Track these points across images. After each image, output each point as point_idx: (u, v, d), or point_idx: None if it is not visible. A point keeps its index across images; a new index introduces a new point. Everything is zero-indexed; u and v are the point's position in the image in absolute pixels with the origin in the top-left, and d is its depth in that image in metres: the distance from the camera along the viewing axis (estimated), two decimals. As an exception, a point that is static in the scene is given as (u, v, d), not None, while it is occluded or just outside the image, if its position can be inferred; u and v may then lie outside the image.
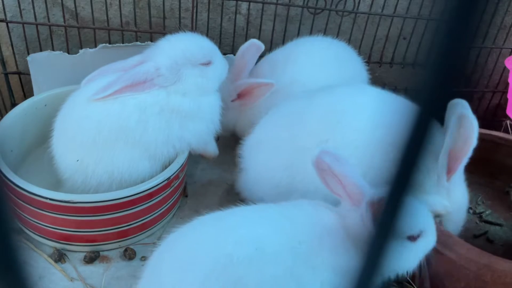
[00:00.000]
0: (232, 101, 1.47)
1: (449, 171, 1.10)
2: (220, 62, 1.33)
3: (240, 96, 1.47)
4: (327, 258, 0.90)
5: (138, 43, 1.56)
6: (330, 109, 1.18)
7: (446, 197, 1.13)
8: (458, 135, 1.09)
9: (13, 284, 0.29)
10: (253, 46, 1.46)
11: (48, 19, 1.55)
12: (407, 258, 0.95)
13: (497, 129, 1.64)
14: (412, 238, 0.94)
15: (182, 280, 0.87)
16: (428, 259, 0.98)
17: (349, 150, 1.11)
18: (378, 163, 1.08)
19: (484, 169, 1.42)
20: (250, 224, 0.95)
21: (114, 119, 1.20)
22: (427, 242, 0.97)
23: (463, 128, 1.08)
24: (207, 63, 1.28)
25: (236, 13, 1.69)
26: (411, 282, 1.15)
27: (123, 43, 1.59)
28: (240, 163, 1.29)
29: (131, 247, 1.25)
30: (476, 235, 1.32)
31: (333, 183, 0.97)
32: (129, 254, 1.23)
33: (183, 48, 1.26)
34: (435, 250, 1.08)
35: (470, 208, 1.37)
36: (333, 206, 0.99)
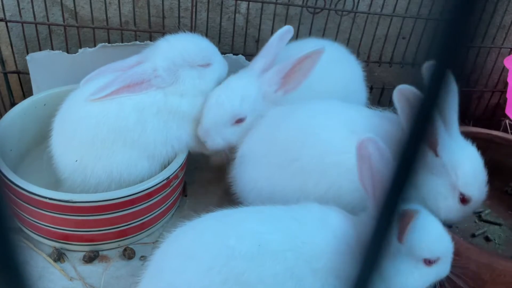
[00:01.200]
0: (276, 91, 1.28)
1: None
2: (219, 64, 1.32)
3: (283, 82, 1.28)
4: (331, 261, 0.90)
5: (138, 42, 1.56)
6: (299, 128, 1.19)
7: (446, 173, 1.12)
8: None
9: (12, 284, 0.29)
10: (288, 33, 1.33)
11: (48, 18, 1.55)
12: (417, 279, 0.94)
13: (496, 128, 1.64)
14: (428, 262, 0.94)
15: (185, 269, 0.89)
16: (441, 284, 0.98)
17: (316, 173, 1.13)
18: (348, 187, 1.09)
19: (483, 169, 1.42)
20: (255, 221, 0.96)
21: (112, 120, 1.20)
22: (441, 269, 0.97)
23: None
24: (206, 65, 1.28)
25: (235, 12, 1.69)
26: None
27: (122, 42, 1.59)
28: (232, 173, 1.30)
29: (131, 246, 1.25)
30: (474, 234, 1.32)
31: (366, 175, 0.95)
32: (128, 254, 1.23)
33: (181, 49, 1.26)
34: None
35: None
36: (349, 213, 0.99)
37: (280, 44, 1.32)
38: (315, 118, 1.20)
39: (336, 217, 0.97)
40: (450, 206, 1.12)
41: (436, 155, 1.10)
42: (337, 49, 1.51)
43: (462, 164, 1.12)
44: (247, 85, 1.27)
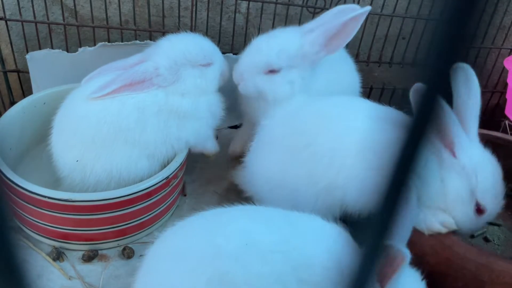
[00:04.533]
0: (318, 52, 1.26)
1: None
2: (220, 63, 1.33)
3: (327, 43, 1.26)
4: (317, 276, 0.85)
5: (138, 41, 1.56)
6: (319, 114, 1.20)
7: (462, 173, 1.09)
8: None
9: (11, 283, 0.29)
10: (352, 10, 1.27)
11: (47, 17, 1.55)
12: None
13: (496, 129, 1.64)
14: None
15: (172, 269, 0.88)
16: None
17: (327, 158, 1.14)
18: (360, 175, 1.09)
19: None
20: (246, 220, 0.94)
21: (113, 118, 1.20)
22: None
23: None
24: (207, 64, 1.29)
25: (235, 12, 1.69)
26: None
27: (122, 41, 1.59)
28: (244, 159, 1.31)
29: (130, 245, 1.25)
30: (473, 235, 1.32)
31: None
32: (127, 253, 1.23)
33: (183, 48, 1.26)
34: (433, 249, 1.08)
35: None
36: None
37: (337, 17, 1.27)
38: (334, 107, 1.21)
39: (337, 235, 0.93)
40: (466, 214, 1.08)
41: (454, 155, 1.08)
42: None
43: (483, 170, 1.08)
44: (290, 39, 1.27)
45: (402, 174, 0.31)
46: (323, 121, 1.18)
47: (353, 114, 1.18)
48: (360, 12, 1.23)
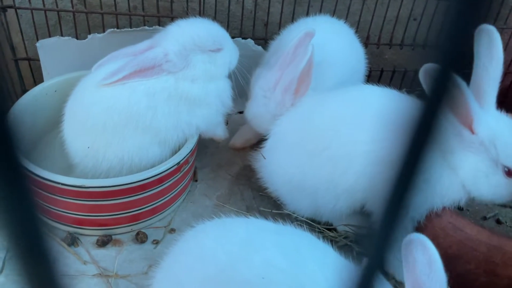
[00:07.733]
0: (291, 103, 1.30)
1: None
2: (230, 49, 1.32)
3: (295, 92, 1.29)
4: None
5: (146, 27, 1.56)
6: (333, 116, 1.19)
7: (481, 148, 1.07)
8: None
9: (42, 271, 0.29)
10: (307, 36, 1.25)
11: (57, 4, 1.55)
12: None
13: (509, 110, 1.62)
14: None
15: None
16: None
17: (344, 162, 1.13)
18: (380, 181, 1.06)
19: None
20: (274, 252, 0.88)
21: (123, 105, 1.21)
22: None
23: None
24: (217, 50, 1.28)
25: (244, -4, 1.68)
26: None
27: (131, 27, 1.59)
28: (261, 159, 1.31)
29: (143, 230, 1.27)
30: (486, 217, 1.32)
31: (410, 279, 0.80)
32: (141, 238, 1.24)
33: (193, 34, 1.26)
34: (444, 232, 1.08)
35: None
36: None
37: (297, 50, 1.27)
38: (347, 106, 1.20)
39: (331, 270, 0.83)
40: (494, 183, 1.07)
41: (472, 132, 1.06)
42: (344, 29, 1.49)
43: (500, 135, 1.06)
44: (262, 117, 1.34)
45: (413, 166, 0.31)
46: (337, 125, 1.16)
47: (365, 115, 1.14)
48: (308, 56, 1.23)
